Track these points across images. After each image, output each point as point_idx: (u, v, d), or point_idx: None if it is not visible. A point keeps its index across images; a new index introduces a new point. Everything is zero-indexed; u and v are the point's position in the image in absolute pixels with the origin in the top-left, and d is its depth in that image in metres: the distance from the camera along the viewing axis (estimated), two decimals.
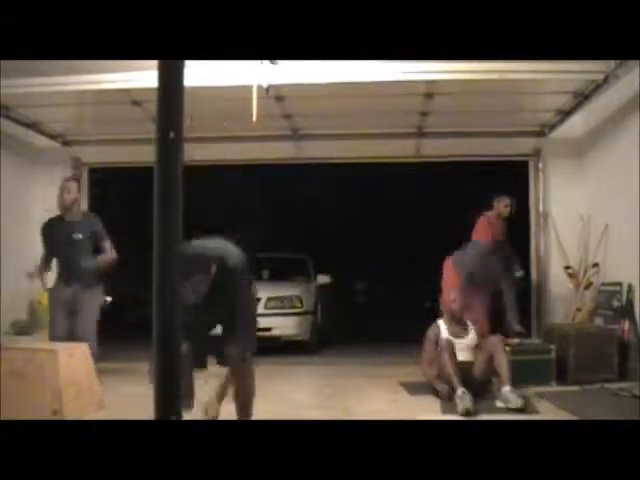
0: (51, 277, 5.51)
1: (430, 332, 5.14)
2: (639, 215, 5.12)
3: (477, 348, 5.02)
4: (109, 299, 5.56)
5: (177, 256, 1.36)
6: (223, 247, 3.44)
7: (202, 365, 3.44)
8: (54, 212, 5.45)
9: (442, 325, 5.14)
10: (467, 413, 4.16)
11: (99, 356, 5.01)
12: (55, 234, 5.33)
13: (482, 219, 6.25)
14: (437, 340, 4.99)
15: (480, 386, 4.71)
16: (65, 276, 5.33)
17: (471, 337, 5.08)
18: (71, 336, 5.09)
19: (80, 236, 5.25)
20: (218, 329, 3.54)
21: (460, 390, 4.33)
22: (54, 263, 5.46)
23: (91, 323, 5.25)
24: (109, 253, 5.35)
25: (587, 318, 6.26)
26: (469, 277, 5.86)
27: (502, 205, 6.32)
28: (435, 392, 4.83)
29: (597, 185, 6.55)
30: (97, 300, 5.32)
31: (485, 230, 6.17)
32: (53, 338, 5.15)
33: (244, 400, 3.51)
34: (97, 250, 5.31)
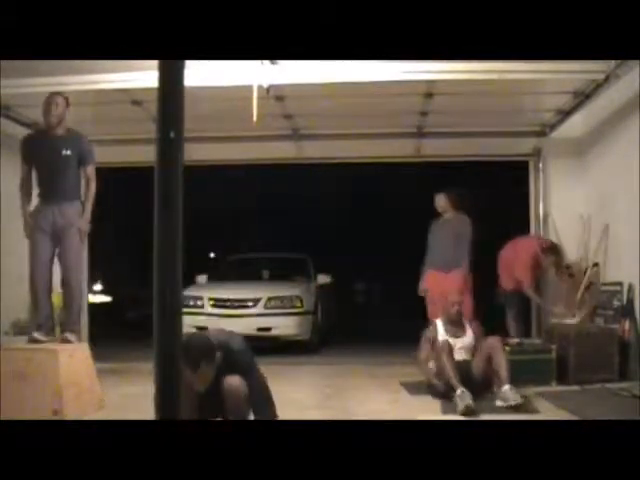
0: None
1: (427, 332, 5.19)
2: (639, 215, 5.12)
3: (475, 348, 5.03)
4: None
5: (181, 348, 1.38)
6: (225, 333, 3.51)
7: None
8: None
9: (439, 325, 5.16)
10: (468, 411, 4.16)
11: (97, 355, 5.00)
12: (39, 150, 4.93)
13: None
14: (434, 339, 5.02)
15: (479, 385, 4.71)
16: (48, 195, 4.94)
17: (468, 337, 5.10)
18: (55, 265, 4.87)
19: (68, 152, 4.85)
20: None
21: (460, 390, 4.34)
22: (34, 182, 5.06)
23: (77, 250, 4.96)
24: (92, 181, 4.98)
25: (587, 318, 6.26)
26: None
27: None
28: (432, 389, 4.85)
29: (597, 185, 6.55)
30: (82, 224, 4.95)
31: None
32: (36, 268, 4.87)
33: None
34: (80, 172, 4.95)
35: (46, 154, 4.87)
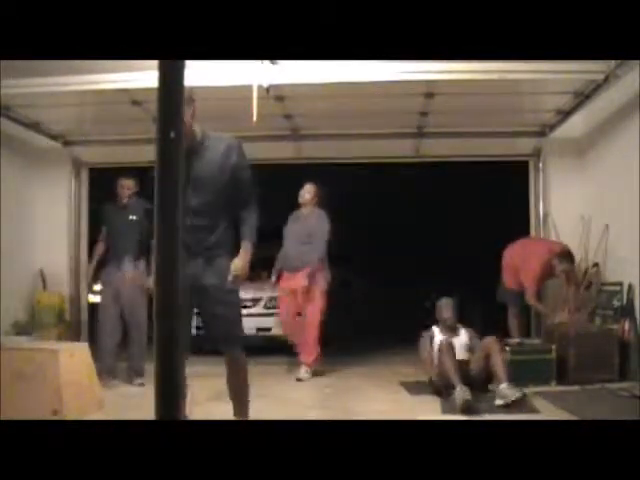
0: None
1: (424, 335, 5.28)
2: (639, 215, 5.12)
3: (470, 347, 5.11)
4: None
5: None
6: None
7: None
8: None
9: (436, 330, 5.24)
10: (467, 406, 4.19)
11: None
12: (110, 217, 5.79)
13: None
14: (432, 339, 5.12)
15: (477, 384, 4.75)
16: (117, 254, 5.65)
17: (463, 336, 5.16)
18: (123, 324, 5.53)
19: (134, 217, 5.64)
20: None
21: (459, 387, 4.38)
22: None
23: (141, 309, 5.51)
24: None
25: (587, 318, 6.26)
26: None
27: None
28: (434, 388, 4.90)
29: (597, 185, 6.55)
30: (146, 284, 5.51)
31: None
32: (105, 327, 5.57)
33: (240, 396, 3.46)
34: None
35: (116, 220, 5.77)
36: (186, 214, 3.14)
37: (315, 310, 6.05)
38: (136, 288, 5.47)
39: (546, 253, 6.12)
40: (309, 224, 6.19)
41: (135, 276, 5.52)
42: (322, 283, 6.09)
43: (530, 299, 6.18)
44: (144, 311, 5.50)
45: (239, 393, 3.46)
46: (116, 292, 5.56)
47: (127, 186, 5.77)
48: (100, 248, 5.92)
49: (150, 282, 5.43)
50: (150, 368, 1.40)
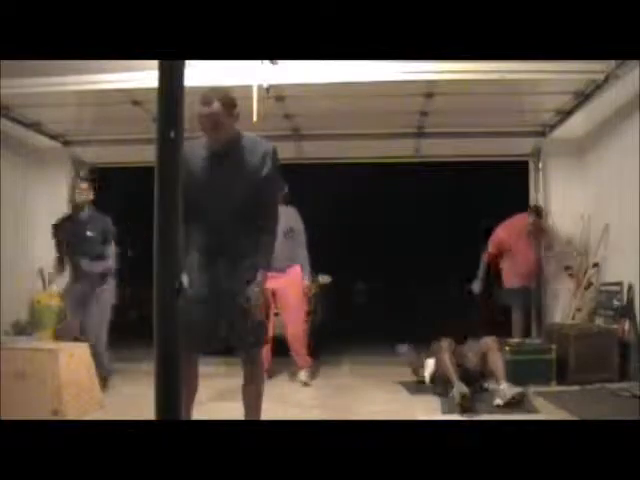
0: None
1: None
2: (639, 215, 5.12)
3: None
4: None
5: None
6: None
7: (202, 347, 3.11)
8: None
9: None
10: (465, 399, 4.20)
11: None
12: (67, 233, 5.48)
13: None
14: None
15: (475, 384, 4.77)
16: (77, 274, 5.45)
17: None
18: (82, 332, 5.28)
19: (91, 234, 5.40)
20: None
21: (457, 383, 4.41)
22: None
23: (102, 320, 5.41)
24: (109, 259, 5.50)
25: (587, 318, 6.26)
26: None
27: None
28: (434, 388, 4.94)
29: (597, 185, 6.55)
30: (108, 298, 5.47)
31: None
32: (63, 334, 5.42)
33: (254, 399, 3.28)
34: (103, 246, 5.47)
35: (74, 236, 5.46)
36: (212, 215, 3.10)
37: (301, 311, 5.98)
38: (106, 303, 5.44)
39: (512, 218, 6.88)
40: (282, 221, 6.01)
41: (102, 291, 5.42)
42: (306, 283, 5.99)
43: (485, 257, 6.74)
44: (107, 324, 5.48)
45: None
46: (82, 300, 5.41)
47: (83, 189, 5.54)
48: (59, 268, 5.63)
49: (111, 298, 5.53)
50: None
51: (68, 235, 5.47)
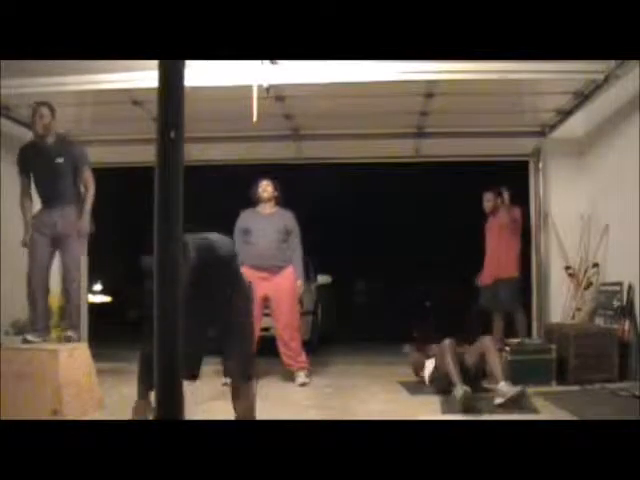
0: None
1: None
2: (639, 215, 5.12)
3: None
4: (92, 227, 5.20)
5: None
6: (212, 236, 3.16)
7: (192, 376, 3.12)
8: None
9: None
10: (467, 396, 4.21)
11: (96, 355, 5.01)
12: (33, 159, 5.02)
13: None
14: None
15: (474, 384, 4.77)
16: (47, 201, 5.04)
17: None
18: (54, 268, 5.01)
19: (61, 160, 4.95)
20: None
21: (458, 384, 4.41)
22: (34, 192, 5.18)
23: (76, 253, 5.05)
24: (89, 184, 5.08)
25: (587, 318, 6.26)
26: None
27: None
28: (434, 388, 4.95)
29: (597, 185, 6.55)
30: (82, 227, 5.05)
31: None
32: (34, 271, 5.00)
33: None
34: (76, 177, 5.05)
35: (40, 163, 4.98)
36: None
37: (295, 314, 5.97)
38: (74, 235, 5.00)
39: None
40: (278, 222, 5.89)
41: (69, 224, 4.98)
42: (298, 284, 5.97)
43: None
44: (80, 258, 5.14)
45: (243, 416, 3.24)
46: (52, 241, 5.02)
47: (44, 114, 4.94)
48: (28, 199, 5.15)
49: (86, 226, 5.05)
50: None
51: (34, 163, 5.01)
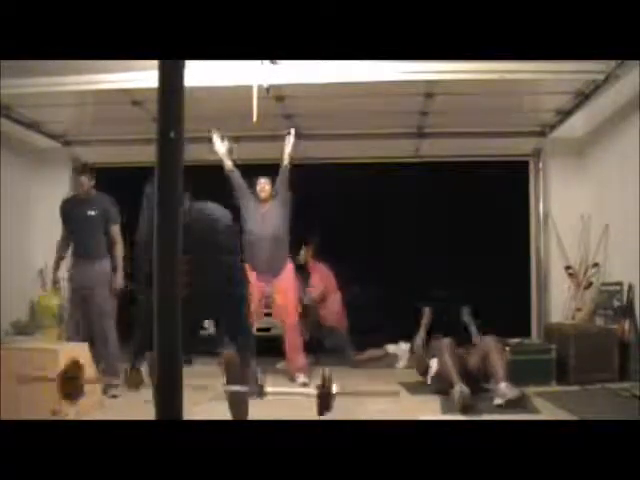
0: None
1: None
2: (639, 215, 5.12)
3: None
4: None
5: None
6: (210, 204, 3.28)
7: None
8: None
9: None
10: (465, 399, 4.21)
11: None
12: (70, 213, 5.53)
13: None
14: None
15: (475, 384, 4.77)
16: (79, 253, 5.47)
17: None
18: (89, 334, 5.26)
19: (93, 213, 5.42)
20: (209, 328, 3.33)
21: (458, 384, 4.41)
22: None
23: (107, 304, 5.43)
24: (117, 240, 5.49)
25: (587, 318, 6.26)
26: None
27: None
28: (434, 387, 4.94)
29: (597, 185, 6.55)
30: (115, 281, 5.45)
31: None
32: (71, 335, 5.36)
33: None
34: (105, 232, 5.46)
35: (75, 216, 5.51)
36: None
37: (296, 316, 5.97)
38: (104, 288, 5.41)
39: None
40: (273, 223, 5.94)
41: (102, 276, 5.41)
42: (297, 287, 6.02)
43: None
44: (113, 312, 5.49)
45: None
46: (83, 292, 5.41)
47: (82, 183, 5.63)
48: (62, 247, 5.67)
49: (118, 281, 5.46)
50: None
51: (68, 215, 5.52)
